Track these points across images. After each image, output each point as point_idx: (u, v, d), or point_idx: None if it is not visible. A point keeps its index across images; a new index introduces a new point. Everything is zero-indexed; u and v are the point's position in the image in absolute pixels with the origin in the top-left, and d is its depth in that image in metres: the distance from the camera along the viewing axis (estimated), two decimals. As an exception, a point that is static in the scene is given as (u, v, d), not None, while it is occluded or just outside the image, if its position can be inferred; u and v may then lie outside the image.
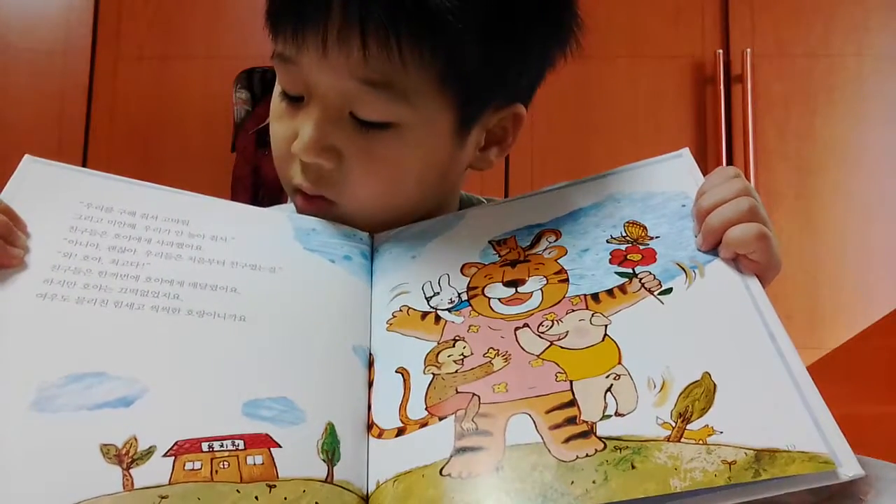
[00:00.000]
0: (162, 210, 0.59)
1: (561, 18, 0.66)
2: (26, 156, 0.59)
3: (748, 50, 1.83)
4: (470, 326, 0.54)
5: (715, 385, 0.46)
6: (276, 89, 0.66)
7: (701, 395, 0.45)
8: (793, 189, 1.81)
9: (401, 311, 0.57)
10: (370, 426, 0.51)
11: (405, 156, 0.63)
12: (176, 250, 0.56)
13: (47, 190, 0.57)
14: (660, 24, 1.90)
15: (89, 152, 1.92)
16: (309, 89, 0.62)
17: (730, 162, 1.81)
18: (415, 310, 0.57)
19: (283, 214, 0.64)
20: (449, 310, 0.56)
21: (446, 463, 0.45)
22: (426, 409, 0.49)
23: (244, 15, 1.99)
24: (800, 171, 1.83)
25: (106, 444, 0.43)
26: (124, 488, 0.42)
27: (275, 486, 0.44)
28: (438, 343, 0.53)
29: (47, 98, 1.96)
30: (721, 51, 1.86)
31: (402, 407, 0.50)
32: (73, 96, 1.96)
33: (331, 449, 0.47)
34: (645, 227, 0.58)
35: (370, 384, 0.53)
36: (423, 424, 0.48)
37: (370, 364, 0.54)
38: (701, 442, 0.43)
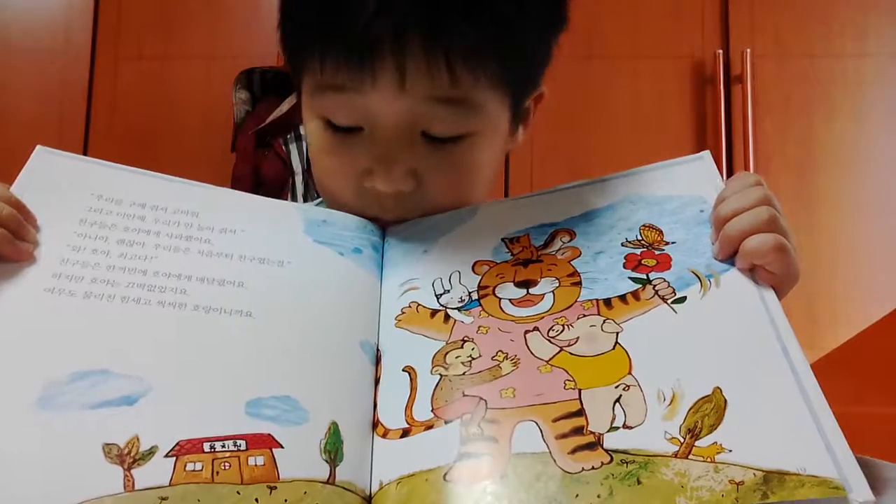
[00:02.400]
0: (172, 202, 0.58)
1: (565, 5, 0.67)
2: (38, 146, 0.58)
3: (748, 50, 1.83)
4: (479, 327, 0.53)
5: (725, 401, 0.45)
6: (316, 123, 0.63)
7: (711, 410, 0.44)
8: (793, 189, 1.81)
9: (410, 307, 0.56)
10: (375, 424, 0.50)
11: (479, 161, 0.64)
12: (184, 243, 0.56)
13: (58, 182, 0.57)
14: (660, 24, 1.90)
15: (89, 152, 1.92)
16: (372, 119, 0.60)
17: (730, 162, 1.81)
18: (424, 307, 0.56)
19: (293, 206, 0.63)
20: (459, 309, 0.55)
21: (450, 468, 0.45)
22: (432, 410, 0.49)
23: (244, 15, 1.99)
24: (800, 171, 1.83)
25: (108, 444, 0.43)
26: (125, 489, 0.42)
27: (275, 487, 0.44)
28: (447, 343, 0.53)
29: (47, 98, 1.96)
30: (721, 51, 1.86)
31: (409, 407, 0.50)
32: (73, 96, 1.96)
33: (333, 449, 0.47)
34: (661, 232, 0.57)
35: (377, 381, 0.53)
36: (429, 427, 0.48)
37: (377, 360, 0.54)
38: (709, 460, 0.42)
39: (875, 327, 1.10)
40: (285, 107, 1.76)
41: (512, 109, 0.65)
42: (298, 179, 1.74)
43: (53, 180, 0.57)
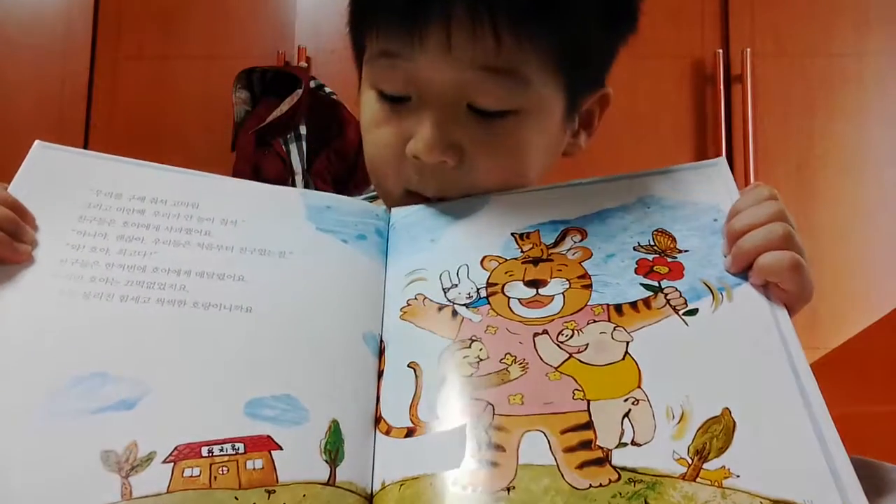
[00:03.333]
0: (173, 193, 0.58)
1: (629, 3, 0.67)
2: (37, 142, 0.58)
3: (748, 50, 1.83)
4: (488, 327, 0.52)
5: (735, 423, 0.44)
6: (369, 95, 0.64)
7: (720, 432, 0.44)
8: (793, 189, 1.81)
9: (416, 299, 0.55)
10: (378, 419, 0.49)
11: (526, 142, 0.63)
12: (184, 237, 0.55)
13: (57, 178, 0.56)
14: (660, 24, 1.90)
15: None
16: (420, 86, 0.61)
17: (730, 162, 1.80)
18: (431, 300, 0.54)
19: (296, 192, 0.62)
20: (467, 305, 0.54)
21: (456, 475, 0.44)
22: (438, 412, 0.48)
23: (244, 15, 1.99)
24: (800, 171, 1.83)
25: (106, 451, 0.43)
26: (122, 497, 0.41)
27: (274, 491, 0.43)
28: (454, 341, 0.51)
29: (47, 98, 1.96)
30: (721, 51, 1.86)
31: (413, 406, 0.49)
32: (73, 96, 1.96)
33: (334, 449, 0.46)
34: (674, 239, 0.56)
35: (380, 374, 0.52)
36: (434, 429, 0.47)
37: (381, 351, 0.53)
38: (716, 484, 0.41)
39: (875, 327, 1.10)
40: (285, 107, 1.76)
41: (567, 98, 0.64)
42: (298, 179, 1.74)
43: (53, 176, 0.56)
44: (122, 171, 0.59)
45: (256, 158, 1.77)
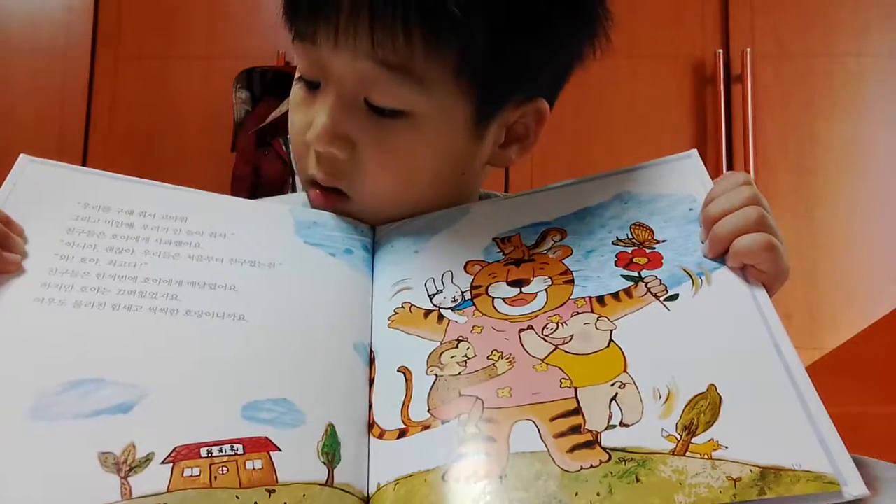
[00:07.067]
0: (160, 208, 0.58)
1: (585, 11, 0.65)
2: (22, 155, 0.58)
3: (748, 50, 1.83)
4: (473, 327, 0.53)
5: (720, 398, 0.45)
6: (296, 76, 0.65)
7: (706, 407, 0.45)
8: (793, 189, 1.81)
9: (403, 307, 0.56)
10: (371, 425, 0.50)
11: (419, 147, 0.62)
12: (174, 249, 0.55)
13: (44, 191, 0.56)
14: (660, 24, 1.90)
15: (89, 152, 1.92)
16: (325, 73, 0.61)
17: (730, 162, 1.81)
18: (417, 307, 0.56)
19: (284, 208, 0.63)
20: (452, 309, 0.55)
21: (449, 468, 0.45)
22: (428, 411, 0.49)
23: (244, 15, 1.99)
24: (800, 171, 1.82)
25: (104, 453, 0.43)
26: (122, 497, 0.41)
27: (274, 490, 0.44)
28: (441, 343, 0.53)
29: (47, 98, 1.96)
30: (721, 51, 1.86)
31: (405, 408, 0.50)
32: (73, 96, 1.96)
33: (331, 451, 0.47)
34: (652, 230, 0.57)
35: (371, 382, 0.53)
36: (426, 427, 0.48)
37: (371, 361, 0.54)
38: (706, 456, 0.42)
39: (875, 327, 1.10)
40: (285, 107, 1.76)
41: (474, 109, 0.62)
42: (298, 179, 1.75)
43: (38, 189, 0.56)
44: (108, 186, 0.59)
45: (256, 158, 1.77)
